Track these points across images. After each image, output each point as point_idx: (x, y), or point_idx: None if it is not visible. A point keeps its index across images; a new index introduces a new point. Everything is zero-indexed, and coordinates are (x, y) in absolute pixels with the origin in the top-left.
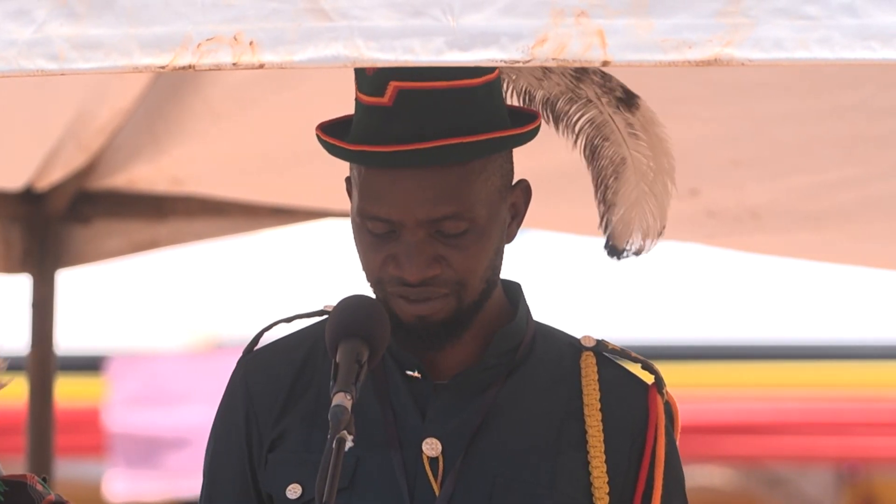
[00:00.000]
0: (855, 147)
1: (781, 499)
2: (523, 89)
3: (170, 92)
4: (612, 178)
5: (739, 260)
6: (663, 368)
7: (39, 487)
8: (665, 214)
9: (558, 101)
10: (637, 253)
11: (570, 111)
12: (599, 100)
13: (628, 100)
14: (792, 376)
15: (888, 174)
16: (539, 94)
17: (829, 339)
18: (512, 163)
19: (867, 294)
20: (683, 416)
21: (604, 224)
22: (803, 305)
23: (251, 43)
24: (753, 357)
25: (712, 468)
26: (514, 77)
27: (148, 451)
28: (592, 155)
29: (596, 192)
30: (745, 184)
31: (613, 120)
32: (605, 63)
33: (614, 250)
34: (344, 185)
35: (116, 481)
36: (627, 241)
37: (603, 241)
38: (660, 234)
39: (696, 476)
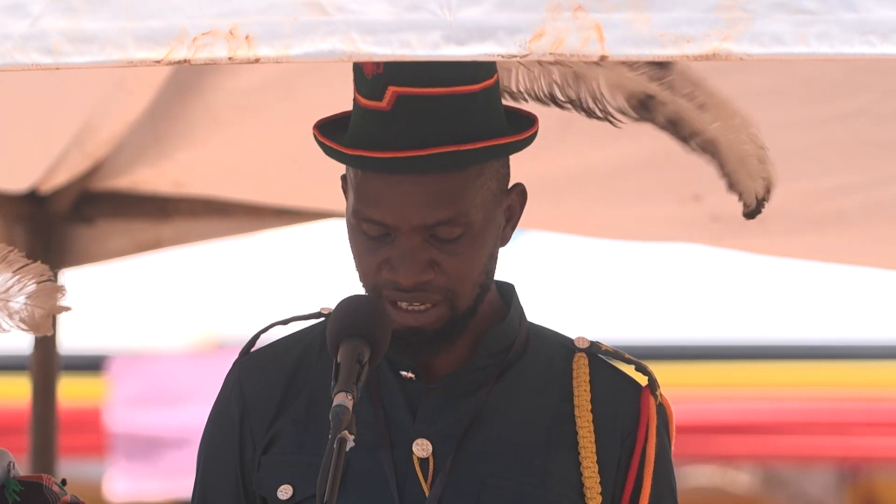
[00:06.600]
0: (858, 153)
1: (783, 499)
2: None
3: (173, 97)
4: (708, 156)
5: (740, 260)
6: (667, 369)
7: (55, 488)
8: (765, 157)
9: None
10: (765, 200)
11: (651, 104)
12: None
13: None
14: (794, 376)
15: (890, 179)
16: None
17: (831, 339)
18: (508, 167)
19: (867, 294)
20: (687, 416)
21: (737, 195)
22: (804, 305)
23: (247, 37)
24: (755, 357)
25: (713, 468)
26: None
27: (149, 450)
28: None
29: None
30: None
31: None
32: (603, 58)
33: (751, 213)
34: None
35: (118, 481)
36: (755, 197)
37: (740, 210)
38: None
39: (698, 476)
